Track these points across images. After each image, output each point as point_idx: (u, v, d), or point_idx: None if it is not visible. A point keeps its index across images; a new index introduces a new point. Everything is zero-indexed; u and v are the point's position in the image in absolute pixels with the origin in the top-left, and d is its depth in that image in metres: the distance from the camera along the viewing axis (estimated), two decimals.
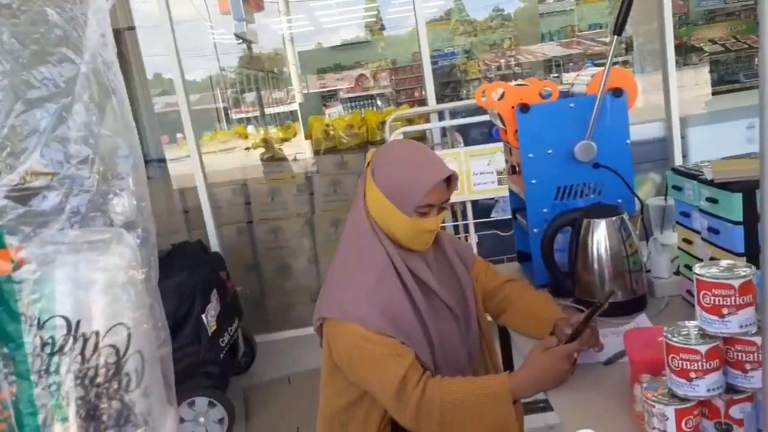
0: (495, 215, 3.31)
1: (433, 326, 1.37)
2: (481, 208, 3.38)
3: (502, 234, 3.31)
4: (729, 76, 6.41)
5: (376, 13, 11.45)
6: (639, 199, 1.71)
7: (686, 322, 0.99)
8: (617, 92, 1.65)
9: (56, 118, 0.87)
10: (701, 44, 6.83)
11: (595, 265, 1.52)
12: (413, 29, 3.52)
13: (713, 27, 6.81)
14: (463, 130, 3.44)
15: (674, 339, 0.95)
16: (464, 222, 3.36)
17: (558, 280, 1.62)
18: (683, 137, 3.72)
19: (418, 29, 3.49)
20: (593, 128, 1.64)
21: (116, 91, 0.92)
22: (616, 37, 1.58)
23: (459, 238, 3.44)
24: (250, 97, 11.34)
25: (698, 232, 1.39)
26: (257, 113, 10.90)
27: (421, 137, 3.66)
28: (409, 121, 3.85)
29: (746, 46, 6.14)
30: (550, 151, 1.68)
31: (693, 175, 1.38)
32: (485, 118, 3.24)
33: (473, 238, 3.33)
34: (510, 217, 3.31)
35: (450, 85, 10.49)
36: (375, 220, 1.38)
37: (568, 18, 11.40)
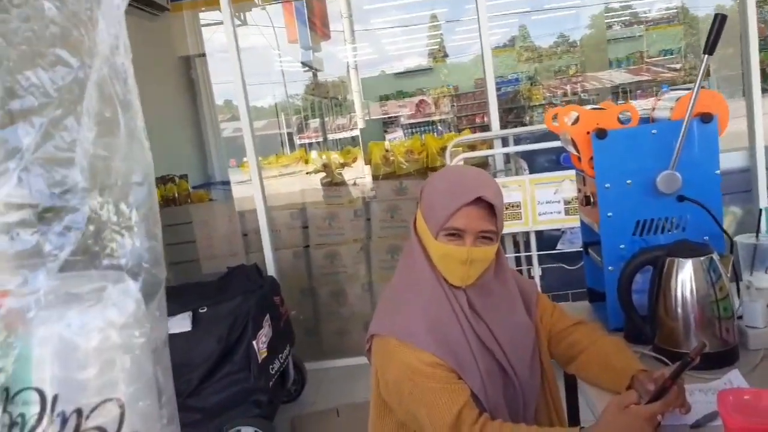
0: (561, 247, 3.12)
1: (481, 361, 1.26)
2: (546, 240, 3.20)
3: (569, 268, 3.12)
4: None
5: (439, 41, 11.48)
6: (729, 236, 1.53)
7: None
8: (706, 117, 1.49)
9: (42, 134, 0.70)
10: None
11: (680, 310, 1.35)
12: (476, 56, 3.44)
13: None
14: (528, 156, 3.29)
15: None
16: (527, 254, 3.19)
17: (635, 325, 1.45)
18: None
19: (483, 54, 3.39)
20: (678, 157, 1.48)
21: (129, 105, 0.74)
22: (707, 56, 1.42)
23: (521, 270, 3.27)
24: (314, 123, 11.54)
25: None
26: (320, 139, 11.06)
27: (484, 164, 3.53)
28: (471, 147, 3.72)
29: None
30: (629, 182, 1.53)
31: None
32: (552, 144, 3.08)
33: (537, 271, 3.16)
34: (578, 249, 3.14)
35: (513, 111, 10.35)
36: (424, 243, 1.32)
37: (637, 44, 11.07)
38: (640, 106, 1.75)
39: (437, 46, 11.64)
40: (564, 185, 2.96)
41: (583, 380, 1.41)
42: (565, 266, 3.17)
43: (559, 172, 3.00)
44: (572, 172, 3.00)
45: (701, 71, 1.45)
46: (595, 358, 1.35)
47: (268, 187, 4.02)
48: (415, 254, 1.32)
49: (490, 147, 3.51)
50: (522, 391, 1.31)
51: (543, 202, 3.00)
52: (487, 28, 3.36)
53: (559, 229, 3.13)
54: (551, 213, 3.00)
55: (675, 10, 10.61)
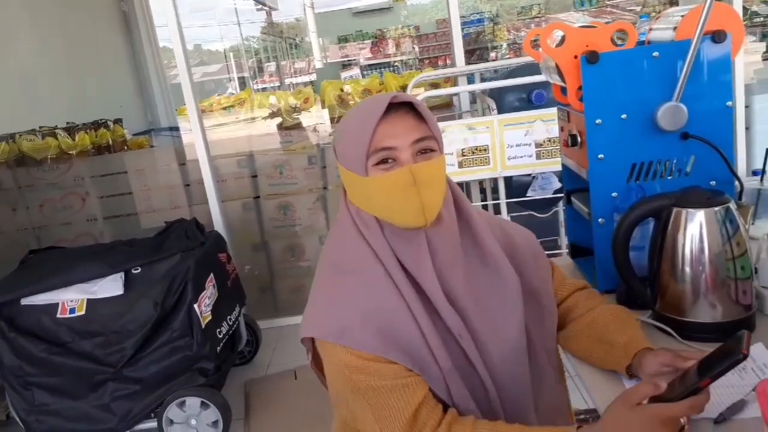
0: (532, 194, 2.89)
1: (442, 354, 0.96)
2: (515, 186, 2.97)
3: (539, 216, 2.91)
4: None
5: None
6: (740, 181, 1.30)
7: None
8: (719, 36, 1.23)
9: None
10: (752, 6, 6.21)
11: (688, 270, 1.12)
12: None
13: None
14: (496, 95, 3.00)
15: None
16: (495, 201, 2.95)
17: (632, 288, 1.22)
18: (747, 106, 3.26)
19: None
20: (684, 85, 1.22)
21: None
22: None
23: None
24: (270, 67, 11.02)
25: None
26: (277, 84, 10.55)
27: (448, 104, 3.24)
28: (434, 85, 3.42)
29: None
30: (624, 116, 1.27)
31: None
32: (523, 80, 2.81)
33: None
34: (550, 196, 2.92)
35: (476, 53, 10.01)
36: (355, 206, 1.06)
37: None
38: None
39: None
40: (536, 126, 2.70)
41: (570, 353, 1.18)
42: (536, 214, 2.96)
43: (530, 112, 2.73)
44: (544, 112, 2.75)
45: None
46: (587, 328, 1.11)
47: (216, 135, 3.66)
48: (344, 226, 1.06)
49: (455, 85, 3.22)
50: (497, 391, 1.01)
51: (513, 145, 2.74)
52: None
53: (529, 174, 2.89)
54: (522, 157, 2.75)
55: None
